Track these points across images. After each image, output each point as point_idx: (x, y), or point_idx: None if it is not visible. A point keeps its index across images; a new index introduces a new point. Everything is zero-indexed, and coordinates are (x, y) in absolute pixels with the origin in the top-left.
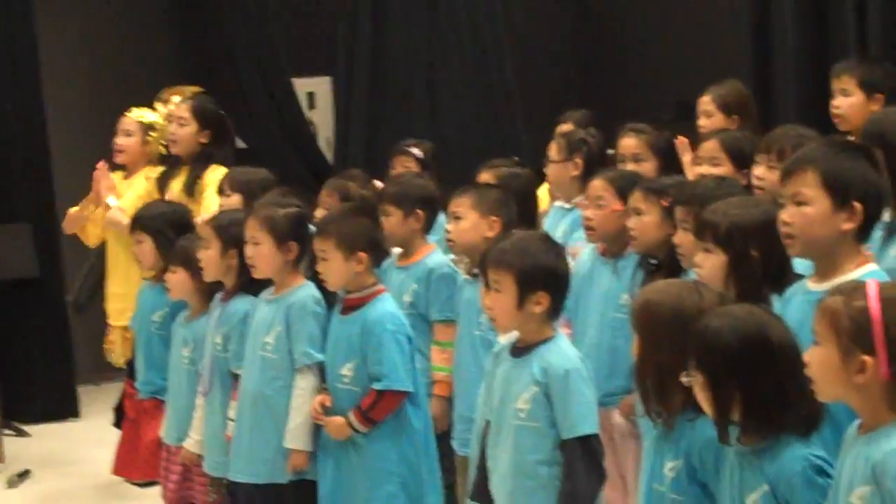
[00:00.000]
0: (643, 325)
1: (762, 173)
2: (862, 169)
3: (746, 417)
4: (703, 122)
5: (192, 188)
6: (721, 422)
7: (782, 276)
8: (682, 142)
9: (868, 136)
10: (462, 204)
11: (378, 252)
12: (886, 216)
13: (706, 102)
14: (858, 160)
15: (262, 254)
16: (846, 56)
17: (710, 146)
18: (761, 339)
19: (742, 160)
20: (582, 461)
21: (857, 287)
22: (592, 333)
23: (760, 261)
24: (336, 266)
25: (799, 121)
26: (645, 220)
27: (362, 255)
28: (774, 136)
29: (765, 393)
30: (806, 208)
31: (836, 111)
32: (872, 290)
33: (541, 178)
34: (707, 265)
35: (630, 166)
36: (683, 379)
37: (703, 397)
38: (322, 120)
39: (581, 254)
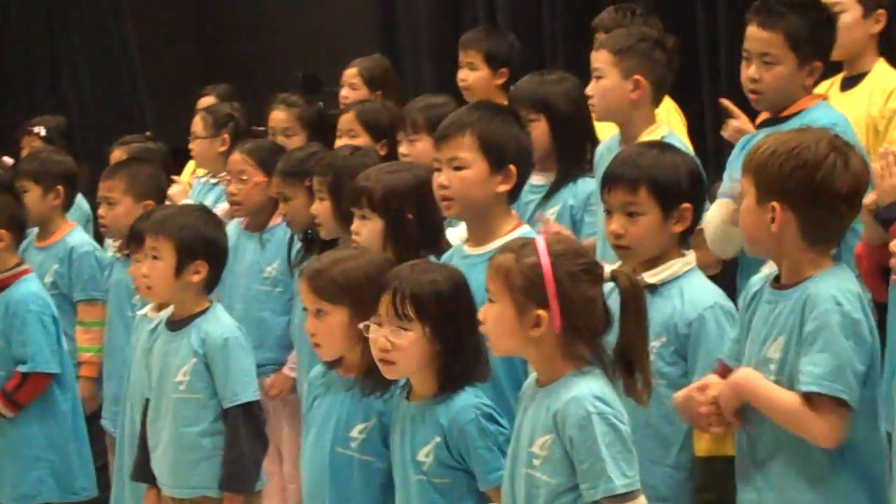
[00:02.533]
0: (354, 293)
1: (404, 150)
2: (515, 132)
3: (449, 368)
4: (346, 94)
5: None
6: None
7: (436, 238)
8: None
9: (530, 103)
10: (115, 188)
11: (21, 230)
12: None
13: (351, 75)
14: (511, 124)
15: None
16: (476, 26)
17: (347, 118)
18: (468, 291)
19: (379, 131)
20: (245, 428)
21: (526, 244)
22: (240, 307)
23: (416, 224)
24: None
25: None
26: (293, 204)
27: (3, 233)
28: (406, 111)
29: (467, 344)
30: (464, 172)
31: (464, 84)
32: (542, 246)
33: (172, 152)
34: (364, 231)
35: (280, 140)
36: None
37: (414, 351)
38: None
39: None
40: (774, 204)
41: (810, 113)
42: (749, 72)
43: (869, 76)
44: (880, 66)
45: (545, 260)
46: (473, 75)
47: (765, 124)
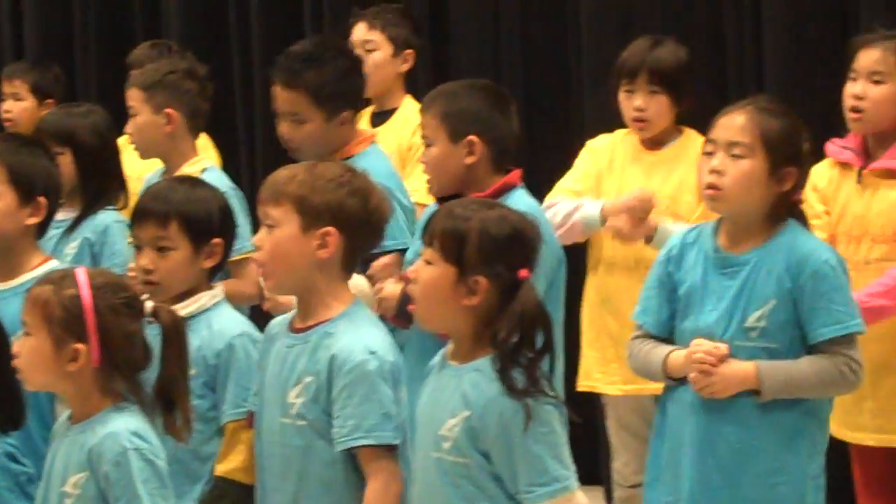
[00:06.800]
0: None
1: None
2: (44, 164)
3: None
4: (9, 107)
5: None
6: None
7: None
8: None
9: (55, 135)
10: None
11: None
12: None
13: (17, 85)
14: (40, 155)
15: None
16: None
17: None
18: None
19: None
20: None
21: (66, 275)
22: None
23: None
24: None
25: None
26: None
27: None
28: None
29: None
30: None
31: (8, 115)
32: (83, 278)
33: None
34: None
35: None
36: None
37: None
38: None
39: None
40: (329, 229)
41: (357, 162)
42: (283, 130)
43: (398, 112)
44: (408, 103)
45: (86, 292)
46: (18, 106)
47: None
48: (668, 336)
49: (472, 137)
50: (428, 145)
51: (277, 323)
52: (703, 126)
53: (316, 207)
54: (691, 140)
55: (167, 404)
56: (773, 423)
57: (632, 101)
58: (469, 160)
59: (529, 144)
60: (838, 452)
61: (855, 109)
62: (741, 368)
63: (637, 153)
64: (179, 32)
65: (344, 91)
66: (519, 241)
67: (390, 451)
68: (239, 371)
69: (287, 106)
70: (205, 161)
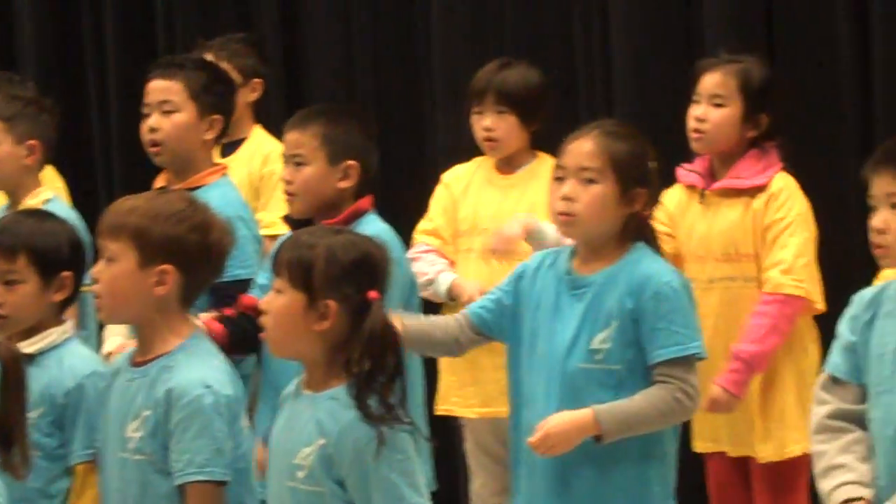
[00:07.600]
0: None
1: None
2: None
3: None
4: None
5: None
6: None
7: None
8: None
9: None
10: None
11: None
12: None
13: None
14: None
15: None
16: None
17: None
18: None
19: None
20: None
21: None
22: None
23: None
24: None
25: None
26: None
27: None
28: None
29: None
30: None
31: None
32: None
33: None
34: None
35: None
36: None
37: None
38: None
39: None
40: (167, 266)
41: (208, 192)
42: (150, 122)
43: (247, 142)
44: (257, 133)
45: None
46: None
47: None
48: (487, 335)
49: (350, 162)
50: (299, 163)
51: (122, 357)
52: (555, 149)
53: (154, 244)
54: (544, 163)
55: (5, 441)
56: (621, 456)
57: (482, 122)
58: (343, 184)
59: (384, 170)
60: (691, 460)
61: (697, 130)
62: (578, 417)
63: (491, 177)
64: (34, 56)
65: (219, 93)
66: (367, 264)
67: (220, 487)
68: (88, 411)
69: (160, 95)
70: (46, 192)
